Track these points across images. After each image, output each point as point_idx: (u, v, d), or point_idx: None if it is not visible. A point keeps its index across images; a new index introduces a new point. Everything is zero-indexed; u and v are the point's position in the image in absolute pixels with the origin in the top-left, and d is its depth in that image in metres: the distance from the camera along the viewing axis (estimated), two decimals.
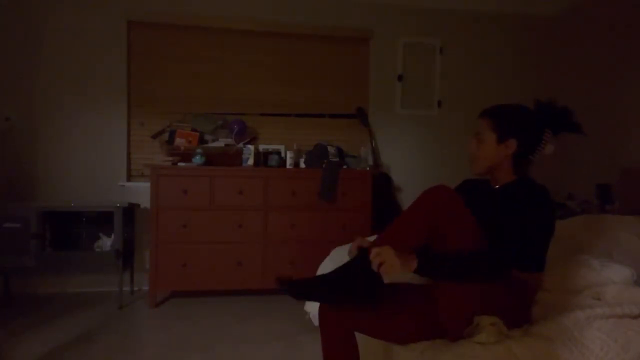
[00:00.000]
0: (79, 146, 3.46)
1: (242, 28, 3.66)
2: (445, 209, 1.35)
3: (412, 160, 3.95)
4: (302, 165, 3.39)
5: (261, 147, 3.49)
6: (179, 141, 3.30)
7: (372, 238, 1.48)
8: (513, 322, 1.32)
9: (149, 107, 3.58)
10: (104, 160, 3.49)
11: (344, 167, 3.41)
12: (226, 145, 3.38)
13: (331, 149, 3.39)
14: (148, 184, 3.18)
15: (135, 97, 3.57)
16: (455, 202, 1.38)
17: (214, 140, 3.42)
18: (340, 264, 1.39)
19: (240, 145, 3.38)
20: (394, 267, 1.24)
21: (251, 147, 3.30)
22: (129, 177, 3.57)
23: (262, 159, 3.41)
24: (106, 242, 3.20)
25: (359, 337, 1.44)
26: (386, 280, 1.31)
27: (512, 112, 1.50)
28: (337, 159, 3.35)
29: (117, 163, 3.52)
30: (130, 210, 3.28)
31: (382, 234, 1.41)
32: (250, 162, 3.28)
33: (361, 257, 1.31)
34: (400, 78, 3.92)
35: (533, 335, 1.27)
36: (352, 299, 1.32)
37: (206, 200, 3.14)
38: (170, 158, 3.21)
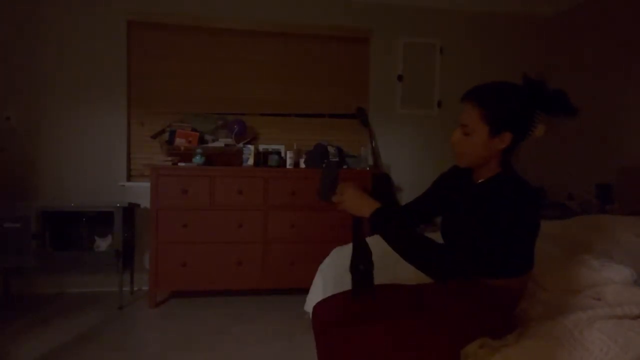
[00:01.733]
0: (79, 146, 3.46)
1: (242, 28, 3.65)
2: None
3: (412, 160, 3.95)
4: (302, 165, 3.39)
5: (261, 147, 3.49)
6: (179, 141, 3.30)
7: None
8: (501, 332, 1.30)
9: (149, 107, 3.58)
10: (104, 160, 3.49)
11: (344, 167, 3.41)
12: (226, 145, 3.38)
13: (331, 149, 3.39)
14: (148, 184, 3.18)
15: (135, 97, 3.56)
16: None
17: (214, 140, 3.42)
18: (340, 264, 1.41)
19: (240, 145, 3.38)
20: (349, 206, 1.36)
21: (251, 147, 3.30)
22: (129, 177, 3.57)
23: (262, 159, 3.41)
24: (106, 242, 3.21)
25: None
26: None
27: (505, 98, 1.28)
28: (337, 159, 3.35)
29: (117, 163, 3.52)
30: (130, 210, 3.28)
31: None
32: (250, 162, 3.28)
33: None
34: (400, 78, 3.92)
35: (532, 337, 1.26)
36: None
37: (206, 200, 3.14)
38: (170, 158, 3.21)
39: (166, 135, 3.38)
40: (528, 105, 1.29)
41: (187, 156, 3.25)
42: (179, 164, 3.18)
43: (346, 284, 1.49)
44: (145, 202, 3.39)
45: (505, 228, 1.20)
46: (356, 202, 1.36)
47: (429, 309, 1.31)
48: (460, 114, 1.34)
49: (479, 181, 1.38)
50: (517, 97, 1.29)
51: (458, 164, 1.40)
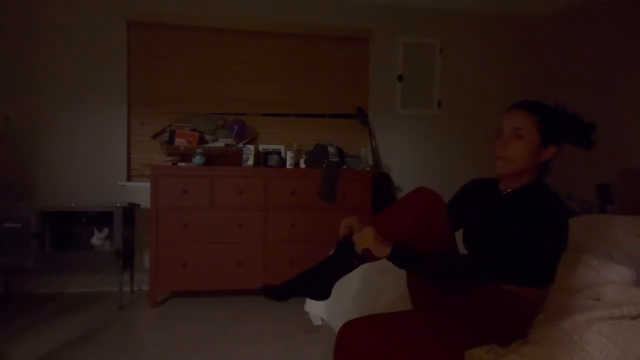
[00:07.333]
0: (79, 146, 3.46)
1: (242, 28, 3.65)
2: (431, 217, 1.38)
3: (412, 160, 3.95)
4: (302, 165, 3.39)
5: (261, 147, 3.49)
6: (179, 141, 3.30)
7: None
8: (511, 337, 1.30)
9: (149, 107, 3.58)
10: (104, 160, 3.49)
11: (344, 167, 3.41)
12: (226, 145, 3.38)
13: (331, 149, 3.39)
14: (148, 184, 3.18)
15: (135, 97, 3.57)
16: (443, 214, 1.40)
17: (214, 140, 3.42)
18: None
19: (240, 145, 3.38)
20: (368, 244, 1.36)
21: (251, 147, 3.30)
22: (129, 177, 3.57)
23: (262, 159, 3.41)
24: (106, 242, 3.20)
25: None
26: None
27: (558, 114, 1.38)
28: (337, 159, 3.35)
29: (117, 163, 3.52)
30: (130, 210, 3.28)
31: (373, 220, 1.48)
32: (250, 162, 3.28)
33: (344, 249, 1.48)
34: (400, 78, 3.92)
35: (531, 342, 1.26)
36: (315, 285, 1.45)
37: (206, 200, 3.14)
38: (170, 158, 3.21)
39: (166, 135, 3.38)
40: (570, 128, 1.37)
41: (187, 156, 3.25)
42: (179, 164, 3.18)
43: (346, 285, 1.49)
44: (145, 202, 3.38)
45: (536, 234, 1.25)
46: (376, 243, 1.36)
47: (453, 308, 1.32)
48: (507, 121, 1.38)
49: (507, 191, 1.43)
50: (562, 114, 1.38)
51: (500, 170, 1.41)
